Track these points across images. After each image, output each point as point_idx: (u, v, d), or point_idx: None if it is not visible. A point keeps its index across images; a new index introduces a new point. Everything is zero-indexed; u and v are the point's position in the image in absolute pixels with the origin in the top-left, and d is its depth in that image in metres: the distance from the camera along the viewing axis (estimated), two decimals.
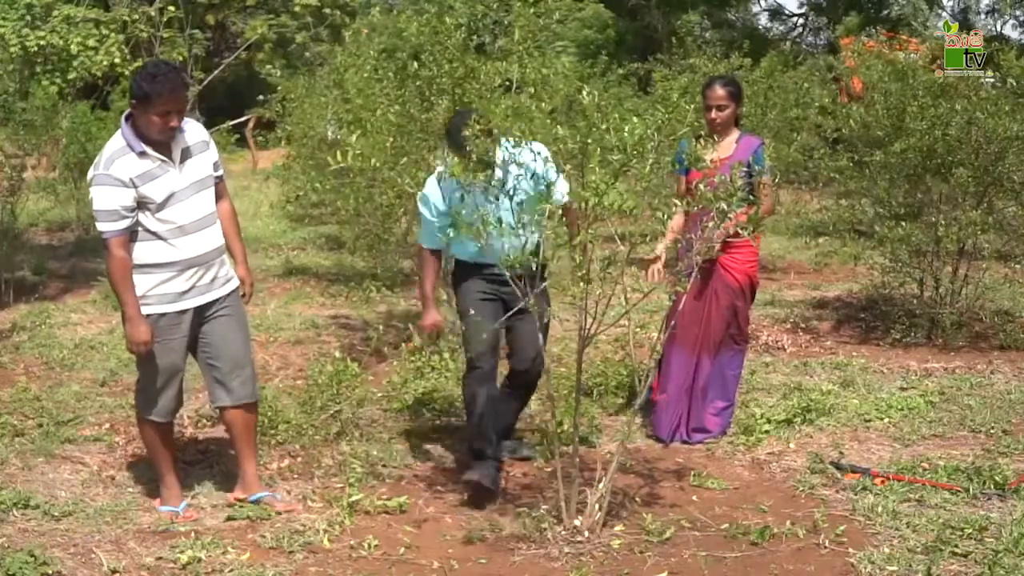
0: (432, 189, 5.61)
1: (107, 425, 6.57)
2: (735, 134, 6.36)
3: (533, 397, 6.99)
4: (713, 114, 6.24)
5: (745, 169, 5.96)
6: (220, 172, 5.35)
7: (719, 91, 6.28)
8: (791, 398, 6.95)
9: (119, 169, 4.91)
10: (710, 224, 4.96)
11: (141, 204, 4.96)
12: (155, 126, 4.94)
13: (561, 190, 5.21)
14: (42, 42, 12.67)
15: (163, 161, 5.01)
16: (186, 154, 5.12)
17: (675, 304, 6.09)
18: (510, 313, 5.50)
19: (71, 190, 14.16)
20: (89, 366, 8.01)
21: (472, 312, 5.66)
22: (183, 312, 5.13)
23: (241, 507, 5.27)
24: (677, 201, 5.13)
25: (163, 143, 5.02)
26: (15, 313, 9.73)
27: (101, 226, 4.95)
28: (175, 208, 5.03)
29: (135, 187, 4.92)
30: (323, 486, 5.60)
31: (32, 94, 11.71)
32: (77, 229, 14.50)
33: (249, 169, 21.60)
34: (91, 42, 13.35)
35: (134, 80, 5.03)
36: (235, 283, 5.38)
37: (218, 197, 5.31)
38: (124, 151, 4.95)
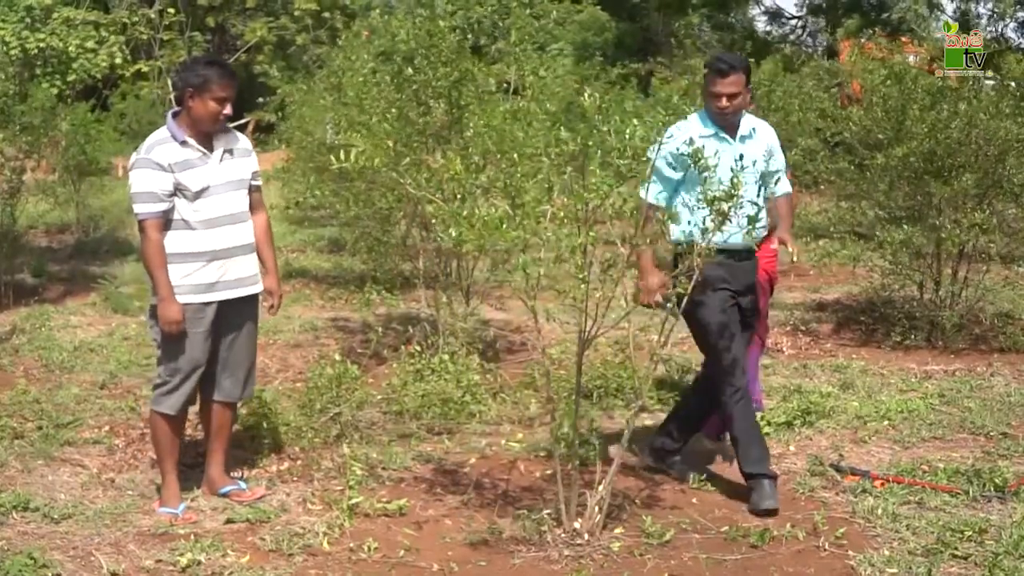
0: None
1: (107, 428, 6.56)
2: None
3: (532, 400, 7.01)
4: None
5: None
6: (259, 183, 5.54)
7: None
8: (791, 400, 6.94)
9: (159, 154, 5.12)
10: (711, 226, 4.95)
11: (178, 191, 5.15)
12: (210, 112, 5.16)
13: (788, 183, 5.71)
14: (42, 44, 12.67)
15: (203, 153, 5.22)
16: (228, 154, 5.32)
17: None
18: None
19: (71, 192, 14.17)
20: (89, 369, 8.00)
21: (716, 327, 5.46)
22: (208, 304, 5.23)
23: (240, 510, 5.28)
24: (686, 204, 5.14)
25: (207, 137, 5.23)
26: (15, 315, 9.73)
27: (138, 208, 5.13)
28: (208, 200, 5.20)
29: (173, 173, 5.11)
30: (323, 488, 5.60)
31: (31, 96, 11.70)
32: (77, 231, 14.52)
33: None
34: (90, 44, 13.35)
35: (189, 69, 5.29)
36: (260, 288, 5.52)
37: (255, 208, 5.50)
38: (166, 140, 5.18)
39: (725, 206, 4.76)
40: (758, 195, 5.30)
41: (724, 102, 5.35)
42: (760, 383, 6.78)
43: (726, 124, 5.41)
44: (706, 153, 5.07)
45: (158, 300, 5.15)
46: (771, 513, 5.24)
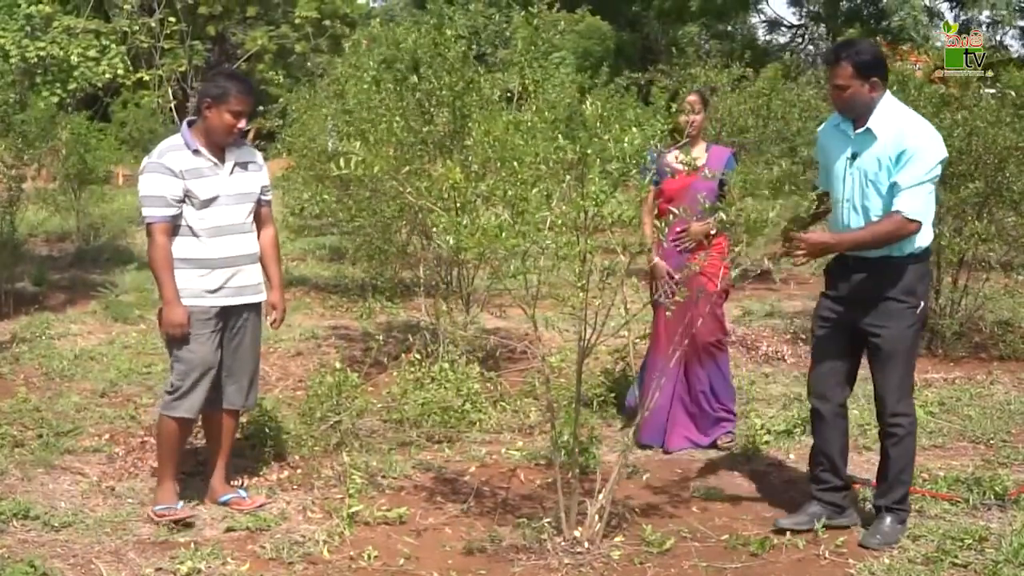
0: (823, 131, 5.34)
1: (107, 436, 6.56)
2: (702, 144, 6.51)
3: (532, 408, 7.00)
4: (688, 117, 6.28)
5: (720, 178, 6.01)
6: (268, 197, 5.58)
7: (690, 96, 6.42)
8: (791, 408, 6.94)
9: (171, 160, 5.19)
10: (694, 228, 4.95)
11: (186, 198, 5.20)
12: (225, 124, 5.22)
13: (904, 203, 4.78)
14: (42, 53, 12.68)
15: (214, 164, 5.27)
16: (239, 167, 5.38)
17: (659, 315, 6.22)
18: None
19: (71, 201, 14.19)
20: (89, 377, 8.00)
21: (814, 330, 5.29)
22: (212, 308, 5.28)
23: (240, 518, 5.27)
24: (675, 210, 5.11)
25: (219, 149, 5.29)
26: (15, 324, 9.74)
27: (147, 212, 5.19)
28: (216, 210, 5.26)
29: (183, 179, 5.17)
30: (323, 497, 5.60)
31: (30, 105, 11.71)
32: (77, 240, 14.53)
33: None
34: (91, 53, 13.36)
35: (210, 80, 5.39)
36: (263, 297, 5.56)
37: (263, 222, 5.56)
38: (179, 147, 5.25)
39: (723, 215, 4.74)
40: (863, 201, 4.95)
41: (833, 94, 5.05)
42: (728, 392, 6.58)
43: (851, 117, 5.03)
44: (828, 143, 5.15)
45: (163, 303, 5.21)
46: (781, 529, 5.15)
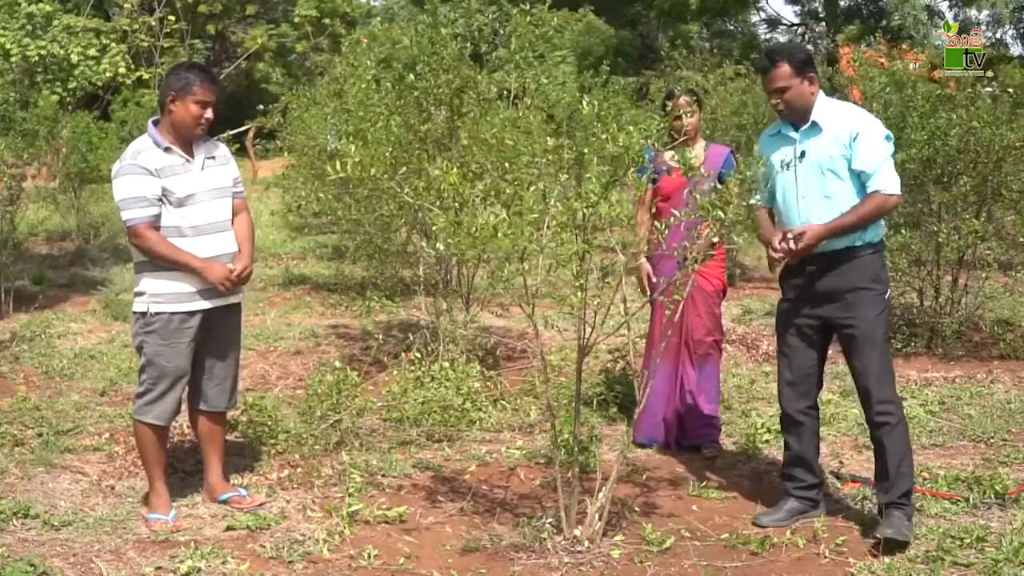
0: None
1: (107, 435, 6.57)
2: (701, 142, 6.48)
3: (532, 407, 7.00)
4: (684, 120, 6.22)
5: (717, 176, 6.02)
6: (239, 189, 5.52)
7: (684, 99, 6.37)
8: None
9: (145, 160, 5.13)
10: (705, 232, 4.96)
11: (163, 197, 5.15)
12: (192, 115, 5.17)
13: (880, 181, 4.90)
14: (43, 51, 12.69)
15: (186, 160, 5.23)
16: (209, 160, 5.34)
17: (657, 314, 6.21)
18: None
19: (71, 199, 14.19)
20: (89, 376, 8.01)
21: (778, 334, 5.36)
22: (193, 314, 5.24)
23: (240, 517, 5.28)
24: (676, 212, 5.10)
25: (187, 144, 5.25)
26: (15, 323, 9.74)
27: (129, 214, 5.11)
28: (194, 207, 5.21)
29: (160, 178, 5.12)
30: (323, 496, 5.60)
31: (33, 104, 11.71)
32: (77, 239, 14.53)
33: (249, 179, 21.63)
34: (92, 52, 13.36)
35: (172, 74, 5.31)
36: (242, 296, 5.53)
37: (238, 210, 5.48)
38: (150, 146, 5.19)
39: (721, 214, 4.72)
40: (824, 192, 4.99)
41: (774, 99, 5.12)
42: (714, 396, 6.49)
43: (792, 120, 5.13)
44: (769, 153, 5.15)
45: (199, 271, 5.15)
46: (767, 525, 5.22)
